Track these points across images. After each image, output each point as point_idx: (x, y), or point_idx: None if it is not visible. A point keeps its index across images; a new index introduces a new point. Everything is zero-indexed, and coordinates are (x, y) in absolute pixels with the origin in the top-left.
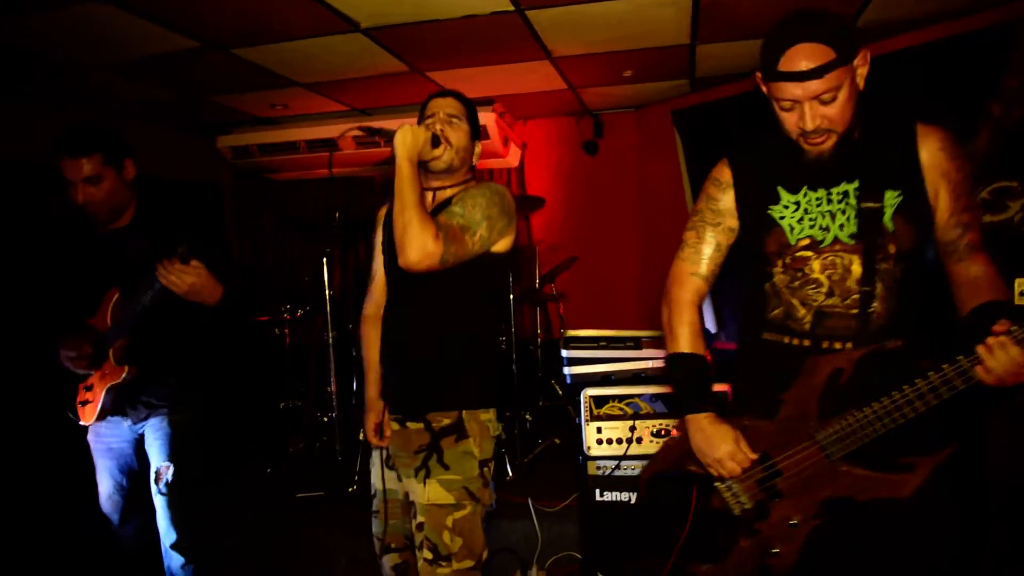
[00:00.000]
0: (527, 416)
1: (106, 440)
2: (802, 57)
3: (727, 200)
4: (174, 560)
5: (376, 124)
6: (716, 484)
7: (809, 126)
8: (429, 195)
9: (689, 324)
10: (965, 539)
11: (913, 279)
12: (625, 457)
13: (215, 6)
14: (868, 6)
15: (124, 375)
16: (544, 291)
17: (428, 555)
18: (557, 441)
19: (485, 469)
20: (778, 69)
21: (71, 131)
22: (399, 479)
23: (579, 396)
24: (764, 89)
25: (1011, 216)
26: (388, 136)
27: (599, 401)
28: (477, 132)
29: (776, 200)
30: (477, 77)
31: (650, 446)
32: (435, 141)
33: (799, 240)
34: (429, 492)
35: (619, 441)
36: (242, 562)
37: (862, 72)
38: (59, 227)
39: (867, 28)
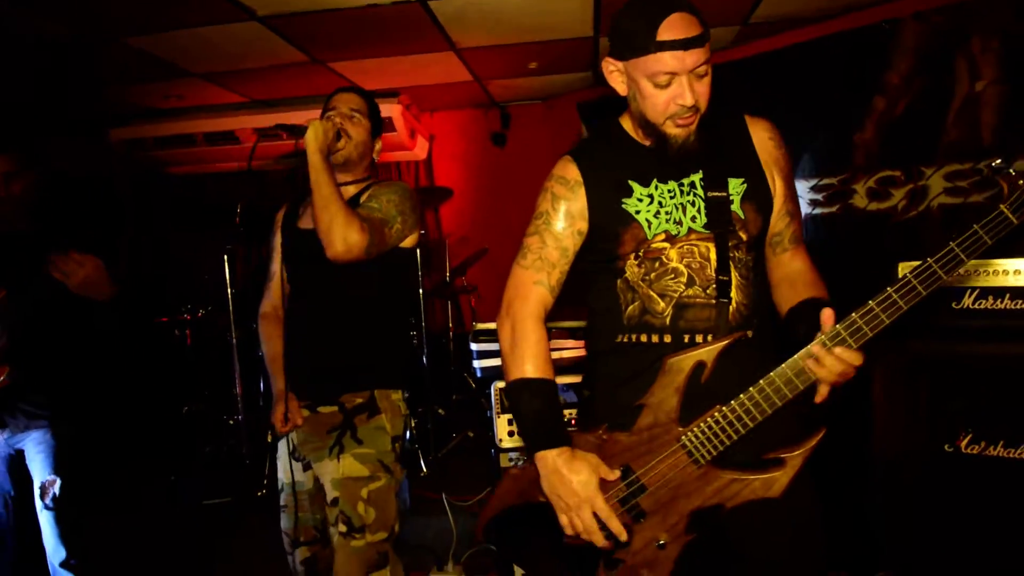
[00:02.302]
0: (440, 410)
1: None
2: (681, 26)
3: (577, 199)
4: None
5: (288, 120)
6: None
7: (689, 100)
8: None
9: (536, 344)
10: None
11: (762, 269)
12: None
13: None
14: (761, 2)
15: (2, 377)
16: (455, 284)
17: (343, 528)
18: (471, 434)
19: (397, 444)
20: (658, 39)
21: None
22: (304, 469)
23: (490, 389)
24: (617, 76)
25: (895, 204)
26: (299, 132)
27: None
28: (378, 129)
29: (630, 193)
30: (382, 68)
31: None
32: (338, 135)
33: (656, 235)
34: (343, 466)
35: None
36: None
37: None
38: None
39: (760, 24)
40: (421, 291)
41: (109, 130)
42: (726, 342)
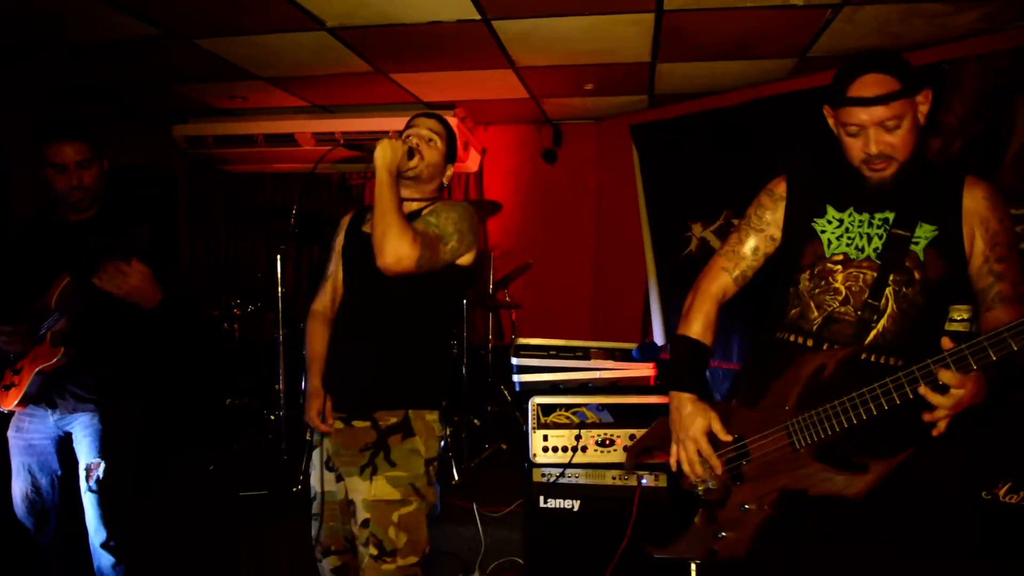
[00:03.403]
0: (475, 421)
1: (27, 436)
2: (871, 84)
3: (777, 211)
4: (104, 560)
5: (347, 127)
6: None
7: (873, 150)
8: None
9: (705, 315)
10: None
11: (938, 313)
12: (570, 465)
13: None
14: (821, 36)
15: (58, 357)
16: (497, 297)
17: (373, 551)
18: (504, 447)
19: (431, 468)
20: (847, 95)
21: (59, 119)
22: (337, 480)
23: (527, 403)
24: (830, 121)
25: None
26: (369, 150)
27: (546, 409)
28: (452, 156)
29: (822, 214)
30: (441, 81)
31: (595, 455)
32: (410, 154)
33: (834, 254)
34: (375, 488)
35: (564, 449)
36: (180, 561)
37: (924, 109)
38: (23, 219)
39: (818, 58)
40: (464, 302)
41: (172, 126)
42: (847, 353)
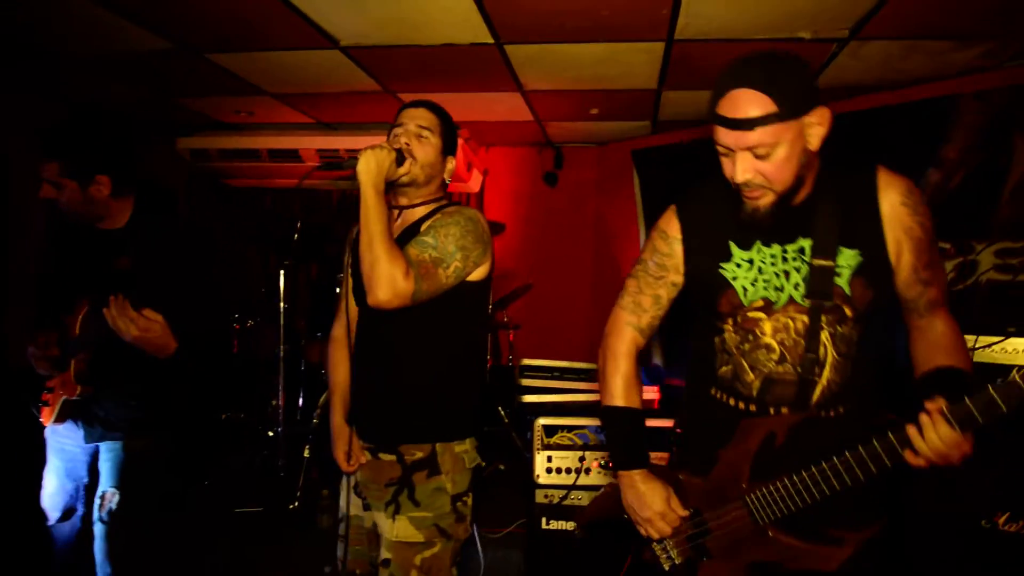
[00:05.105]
0: None
1: (62, 441)
2: (739, 104)
3: (673, 254)
4: None
5: (353, 145)
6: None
7: (738, 178)
8: (395, 214)
9: (623, 376)
10: None
11: (871, 342)
12: (575, 487)
13: (196, 10)
14: (826, 69)
15: (79, 393)
16: (496, 318)
17: None
18: (502, 467)
19: (459, 503)
20: (715, 111)
21: (54, 128)
22: (365, 508)
23: (529, 423)
24: None
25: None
26: (351, 165)
27: (550, 430)
28: (451, 147)
29: (728, 257)
30: (447, 102)
31: (598, 477)
32: (400, 159)
33: (752, 302)
34: (397, 529)
35: (568, 471)
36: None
37: (817, 132)
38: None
39: (823, 90)
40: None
41: (176, 138)
42: (797, 419)
